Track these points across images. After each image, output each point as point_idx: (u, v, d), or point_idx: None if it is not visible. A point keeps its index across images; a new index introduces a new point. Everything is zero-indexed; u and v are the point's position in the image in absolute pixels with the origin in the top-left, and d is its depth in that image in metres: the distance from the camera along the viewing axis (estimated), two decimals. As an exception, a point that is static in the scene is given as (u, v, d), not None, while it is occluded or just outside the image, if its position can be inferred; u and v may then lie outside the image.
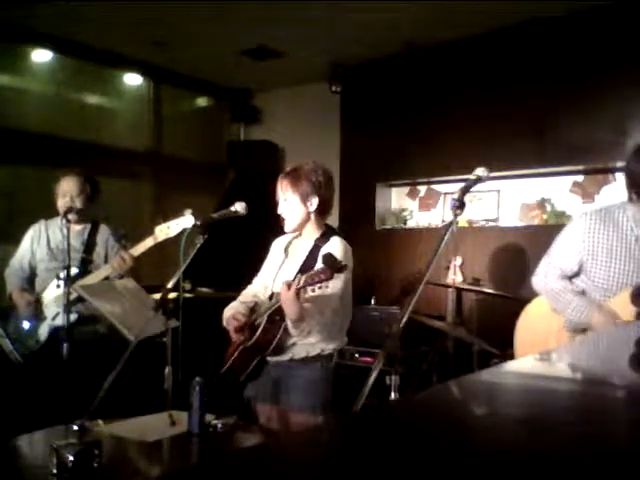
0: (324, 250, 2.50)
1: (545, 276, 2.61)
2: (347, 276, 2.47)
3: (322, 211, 2.58)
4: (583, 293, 2.53)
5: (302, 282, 2.25)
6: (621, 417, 0.85)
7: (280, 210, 2.58)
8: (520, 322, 2.72)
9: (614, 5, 4.26)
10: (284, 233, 2.71)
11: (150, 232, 3.01)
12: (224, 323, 2.64)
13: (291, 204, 2.54)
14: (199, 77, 6.16)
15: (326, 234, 2.60)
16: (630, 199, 2.43)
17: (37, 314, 3.28)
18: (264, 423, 2.53)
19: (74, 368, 2.87)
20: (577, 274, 2.57)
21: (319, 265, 2.32)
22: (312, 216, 2.56)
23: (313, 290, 2.27)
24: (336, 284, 2.41)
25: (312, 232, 2.61)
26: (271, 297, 2.58)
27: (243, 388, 2.64)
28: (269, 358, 2.56)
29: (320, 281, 2.22)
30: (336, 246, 2.49)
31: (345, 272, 2.33)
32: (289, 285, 2.30)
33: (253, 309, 2.67)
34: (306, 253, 2.58)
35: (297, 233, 2.67)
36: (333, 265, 2.20)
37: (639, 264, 2.40)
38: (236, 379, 2.61)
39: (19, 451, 1.89)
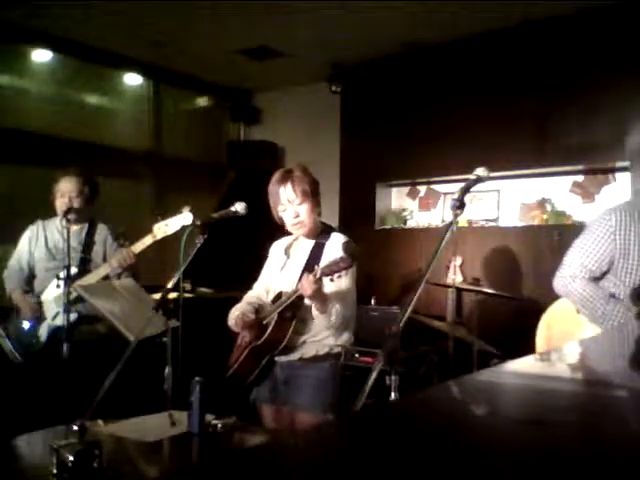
0: (328, 246, 2.52)
1: (572, 279, 2.40)
2: (354, 272, 2.50)
3: (320, 211, 2.62)
4: (612, 296, 2.36)
5: (321, 272, 2.26)
6: (622, 417, 0.85)
7: (295, 213, 2.53)
8: (542, 326, 2.56)
9: (614, 5, 4.25)
10: (284, 234, 2.71)
11: (149, 230, 3.01)
12: (231, 322, 2.62)
13: (307, 207, 2.53)
14: (199, 77, 6.16)
15: (325, 232, 2.61)
16: None
17: (38, 315, 3.28)
18: (273, 424, 2.52)
19: (74, 368, 2.87)
20: (604, 274, 2.40)
21: (328, 256, 2.33)
22: (317, 217, 2.60)
23: (332, 280, 2.28)
24: (350, 277, 2.44)
25: (311, 232, 2.61)
26: (277, 298, 2.58)
27: (249, 391, 2.64)
28: (277, 358, 2.56)
29: (340, 269, 2.22)
30: (340, 241, 2.50)
31: (353, 268, 2.34)
32: (309, 275, 2.30)
33: (258, 311, 2.67)
34: (308, 252, 2.58)
35: (296, 235, 2.67)
36: (353, 253, 2.20)
37: None
38: (243, 382, 2.60)
39: (19, 451, 1.89)
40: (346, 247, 2.24)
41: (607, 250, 2.34)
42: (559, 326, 2.53)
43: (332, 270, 2.23)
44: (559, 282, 2.46)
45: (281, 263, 2.68)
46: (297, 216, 2.53)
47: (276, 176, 2.58)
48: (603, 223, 2.36)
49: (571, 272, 2.41)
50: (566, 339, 2.45)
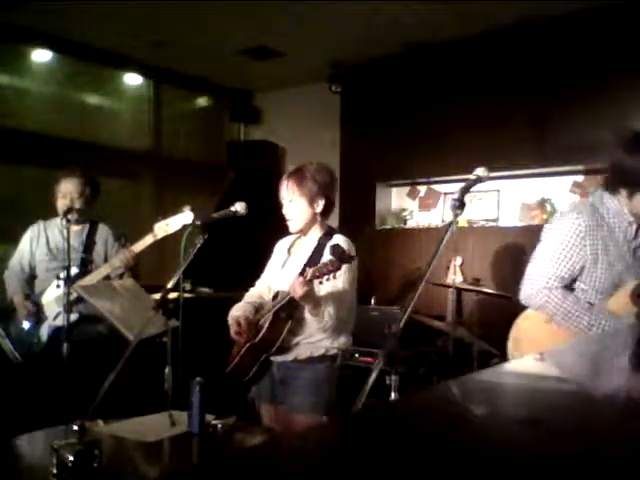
0: (328, 247, 2.51)
1: (549, 291, 2.27)
2: (354, 272, 2.50)
3: (326, 211, 2.60)
4: (590, 303, 2.29)
5: (310, 274, 2.26)
6: (620, 417, 0.85)
7: (285, 211, 2.58)
8: (514, 333, 2.44)
9: (614, 5, 4.25)
10: (285, 233, 2.71)
11: (149, 230, 3.01)
12: (230, 322, 2.63)
13: (298, 206, 2.54)
14: (199, 77, 6.16)
15: (329, 233, 2.61)
16: (613, 192, 2.27)
17: (38, 317, 3.28)
18: (268, 424, 2.53)
19: (74, 368, 2.87)
20: (573, 280, 2.32)
21: (326, 258, 2.34)
22: (317, 217, 2.58)
23: (321, 282, 2.28)
24: (346, 279, 2.43)
25: (315, 232, 2.62)
26: (275, 296, 2.58)
27: (247, 389, 2.64)
28: (273, 358, 2.56)
29: (328, 272, 2.22)
30: (340, 242, 2.49)
31: (352, 267, 2.33)
32: (299, 277, 2.30)
33: (258, 309, 2.67)
34: (310, 251, 2.58)
35: (300, 234, 2.68)
36: (341, 256, 2.21)
37: (626, 261, 2.28)
38: (240, 379, 2.61)
39: (19, 451, 1.89)
40: (333, 250, 2.24)
41: (579, 256, 2.25)
42: (530, 331, 2.43)
43: (321, 272, 2.23)
44: (533, 295, 2.32)
45: (282, 261, 2.69)
46: (287, 214, 2.58)
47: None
48: (572, 228, 2.25)
49: (546, 283, 2.28)
50: (537, 344, 2.33)
